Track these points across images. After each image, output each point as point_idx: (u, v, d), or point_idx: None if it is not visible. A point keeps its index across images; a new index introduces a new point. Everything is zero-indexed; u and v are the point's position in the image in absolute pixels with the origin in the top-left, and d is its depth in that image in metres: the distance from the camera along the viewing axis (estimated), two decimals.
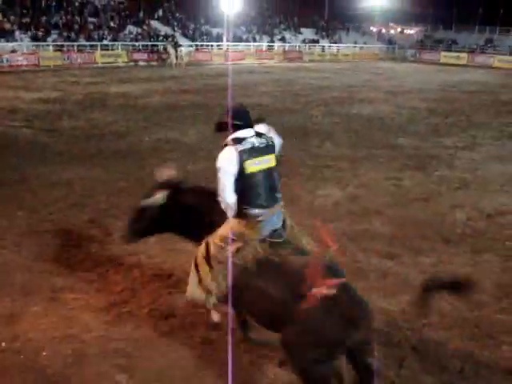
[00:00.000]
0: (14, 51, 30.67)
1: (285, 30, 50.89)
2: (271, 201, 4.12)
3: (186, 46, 37.41)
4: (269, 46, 45.69)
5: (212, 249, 4.19)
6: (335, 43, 51.84)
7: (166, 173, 4.76)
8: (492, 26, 52.87)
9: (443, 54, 50.05)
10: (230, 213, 4.11)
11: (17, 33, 32.72)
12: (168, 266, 6.33)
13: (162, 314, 5.34)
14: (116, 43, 35.88)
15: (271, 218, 4.14)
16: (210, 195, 4.27)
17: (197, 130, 14.31)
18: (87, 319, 5.23)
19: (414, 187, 9.97)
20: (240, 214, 4.09)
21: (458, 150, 13.19)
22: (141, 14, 41.23)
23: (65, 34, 34.33)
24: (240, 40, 44.07)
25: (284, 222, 4.28)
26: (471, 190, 9.90)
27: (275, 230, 4.18)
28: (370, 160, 11.85)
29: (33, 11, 34.84)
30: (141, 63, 35.37)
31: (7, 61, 29.71)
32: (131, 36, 38.11)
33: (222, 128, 4.18)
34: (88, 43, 34.33)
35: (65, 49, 32.94)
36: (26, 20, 33.91)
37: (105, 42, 35.43)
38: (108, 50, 34.97)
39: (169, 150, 12.13)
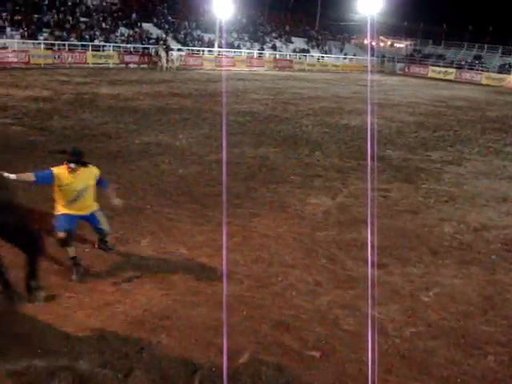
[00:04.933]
0: (4, 48, 30.51)
1: (276, 38, 51.23)
2: None
3: (176, 50, 37.52)
4: (259, 53, 45.91)
5: None
6: (325, 53, 52.26)
7: None
8: (481, 43, 53.63)
9: (431, 68, 50.75)
10: None
11: (8, 29, 32.57)
12: (162, 268, 6.40)
13: (156, 315, 5.39)
14: (107, 44, 35.88)
15: None
16: None
17: (188, 134, 14.40)
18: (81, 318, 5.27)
19: (402, 199, 10.10)
20: None
21: (446, 164, 13.38)
22: (133, 16, 41.25)
23: (56, 32, 34.20)
24: (231, 46, 44.26)
25: None
26: (458, 204, 10.06)
27: None
28: (359, 171, 11.98)
29: (25, 9, 34.74)
30: (131, 65, 35.38)
31: None
32: (123, 38, 38.14)
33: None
34: (79, 43, 34.28)
35: (56, 48, 32.82)
36: (18, 17, 33.80)
37: (96, 43, 35.40)
38: (99, 50, 34.95)
39: (159, 154, 12.17)
